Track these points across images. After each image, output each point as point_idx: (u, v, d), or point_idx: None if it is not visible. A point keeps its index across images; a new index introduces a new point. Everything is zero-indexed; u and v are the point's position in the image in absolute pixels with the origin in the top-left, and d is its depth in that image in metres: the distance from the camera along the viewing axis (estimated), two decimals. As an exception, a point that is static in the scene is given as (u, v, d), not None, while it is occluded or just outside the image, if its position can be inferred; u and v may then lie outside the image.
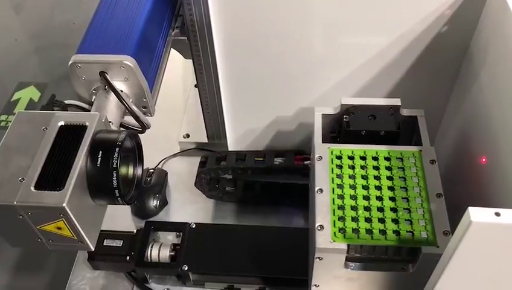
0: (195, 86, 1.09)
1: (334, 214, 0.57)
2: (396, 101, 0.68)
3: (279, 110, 0.85)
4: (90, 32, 0.68)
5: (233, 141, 0.93)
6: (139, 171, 0.63)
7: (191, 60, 0.82)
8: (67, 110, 0.65)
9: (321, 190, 0.60)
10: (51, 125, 0.57)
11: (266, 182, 0.90)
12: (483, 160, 0.65)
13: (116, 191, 0.55)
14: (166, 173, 0.95)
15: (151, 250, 0.79)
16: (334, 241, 0.56)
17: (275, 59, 0.76)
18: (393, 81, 0.78)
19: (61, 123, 0.57)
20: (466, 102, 0.72)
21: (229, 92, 0.84)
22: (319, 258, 0.57)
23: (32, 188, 0.52)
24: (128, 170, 0.61)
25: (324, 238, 0.56)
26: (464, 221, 0.39)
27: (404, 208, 0.58)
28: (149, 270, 0.80)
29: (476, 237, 0.40)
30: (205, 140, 0.98)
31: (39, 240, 0.57)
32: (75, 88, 0.67)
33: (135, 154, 0.62)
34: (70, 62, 0.64)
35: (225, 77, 0.81)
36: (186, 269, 0.77)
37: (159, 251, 0.79)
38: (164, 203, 0.93)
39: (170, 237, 0.88)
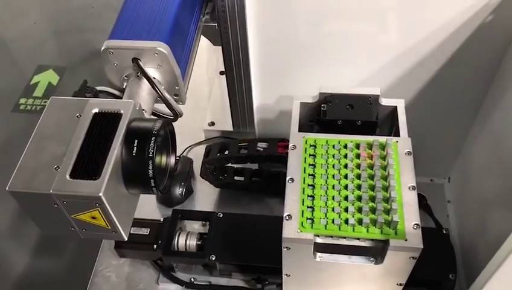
0: (221, 73, 1.08)
1: (303, 204, 0.57)
2: (376, 91, 0.66)
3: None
4: (122, 17, 0.66)
5: (262, 128, 0.92)
6: (172, 160, 0.62)
7: (215, 47, 0.81)
8: (98, 97, 0.64)
9: (292, 179, 0.59)
10: (85, 112, 0.56)
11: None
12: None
13: (152, 180, 0.54)
14: (191, 161, 0.94)
15: (178, 239, 0.78)
16: (301, 231, 0.55)
17: (312, 44, 0.74)
18: (429, 74, 0.76)
19: (96, 110, 0.56)
20: (504, 99, 0.70)
21: (260, 78, 0.82)
22: (286, 248, 0.57)
23: (67, 177, 0.51)
24: (162, 159, 0.60)
25: (291, 228, 0.55)
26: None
27: (375, 200, 0.56)
28: (176, 259, 0.80)
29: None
30: (230, 128, 0.97)
31: (72, 228, 0.56)
32: (107, 74, 0.66)
33: (168, 143, 0.61)
34: (102, 48, 0.63)
35: (257, 63, 0.79)
36: (213, 259, 0.76)
37: (186, 240, 0.78)
38: (189, 191, 0.92)
39: (196, 226, 0.88)
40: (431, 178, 0.94)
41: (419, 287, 0.73)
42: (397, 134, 0.64)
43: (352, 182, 0.58)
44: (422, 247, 0.53)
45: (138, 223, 0.80)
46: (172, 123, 0.64)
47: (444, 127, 0.85)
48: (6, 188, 0.51)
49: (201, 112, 1.03)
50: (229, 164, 0.88)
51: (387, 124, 0.68)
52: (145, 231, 0.80)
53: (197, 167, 0.95)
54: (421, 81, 0.77)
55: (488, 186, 0.77)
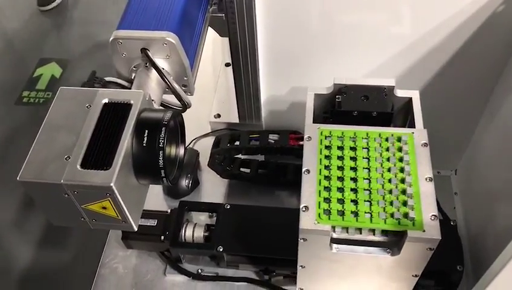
0: (226, 64, 1.08)
1: (319, 195, 0.56)
2: (391, 82, 0.66)
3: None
4: (131, 8, 0.66)
5: (269, 120, 0.92)
6: (181, 150, 0.61)
7: (220, 38, 0.80)
8: (107, 88, 0.64)
9: (308, 171, 0.58)
10: (95, 102, 0.56)
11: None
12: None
13: (162, 171, 0.54)
14: (198, 153, 0.94)
15: (185, 230, 0.79)
16: (318, 222, 0.55)
17: (323, 34, 0.74)
18: (439, 64, 0.75)
19: (105, 101, 0.56)
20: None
21: (267, 70, 0.81)
22: (303, 239, 0.57)
23: (78, 167, 0.51)
24: (171, 150, 0.60)
25: (308, 219, 0.55)
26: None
27: (392, 191, 0.56)
28: (183, 250, 0.80)
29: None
30: (236, 120, 0.97)
31: (82, 219, 0.56)
32: (115, 65, 0.66)
33: (178, 133, 0.61)
34: (111, 38, 0.63)
35: (265, 54, 0.78)
36: (221, 250, 0.76)
37: (193, 231, 0.79)
38: (196, 183, 0.92)
39: (202, 218, 0.88)
40: (438, 170, 0.94)
41: (427, 278, 0.73)
42: (412, 125, 0.64)
43: (369, 174, 0.58)
44: (440, 238, 0.53)
45: (145, 214, 0.78)
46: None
47: (452, 119, 0.84)
48: (17, 178, 0.51)
49: (207, 104, 1.02)
50: (237, 155, 0.88)
51: (402, 115, 0.68)
52: (153, 222, 0.80)
53: (203, 158, 0.95)
54: (431, 72, 0.77)
55: (495, 179, 0.77)
